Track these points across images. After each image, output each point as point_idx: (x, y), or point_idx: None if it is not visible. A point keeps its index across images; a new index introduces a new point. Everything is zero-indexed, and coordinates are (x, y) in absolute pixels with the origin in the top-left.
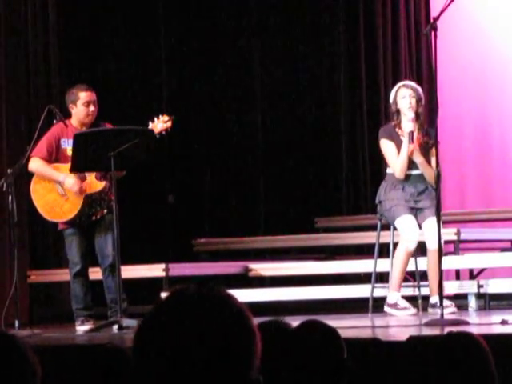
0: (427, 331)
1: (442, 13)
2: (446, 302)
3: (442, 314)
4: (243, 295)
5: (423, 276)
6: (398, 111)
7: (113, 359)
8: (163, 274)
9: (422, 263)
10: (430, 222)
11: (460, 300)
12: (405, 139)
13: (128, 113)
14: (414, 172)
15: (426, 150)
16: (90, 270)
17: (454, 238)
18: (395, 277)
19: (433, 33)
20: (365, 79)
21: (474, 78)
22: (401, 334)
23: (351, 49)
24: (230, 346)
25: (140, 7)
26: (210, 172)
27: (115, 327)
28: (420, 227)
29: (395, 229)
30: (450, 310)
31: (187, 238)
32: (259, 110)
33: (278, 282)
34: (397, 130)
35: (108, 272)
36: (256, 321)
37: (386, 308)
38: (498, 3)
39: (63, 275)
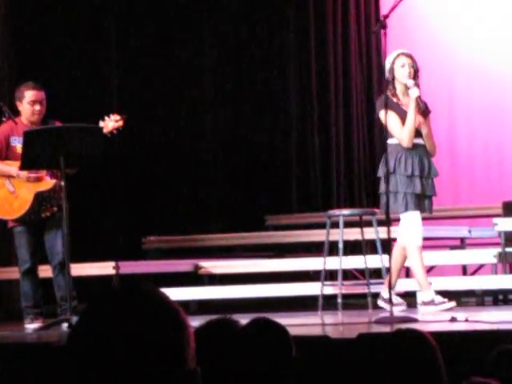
0: (377, 329)
1: (391, 11)
2: (397, 300)
3: (392, 312)
4: (193, 293)
5: (373, 273)
6: (393, 80)
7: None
8: (113, 271)
9: (372, 260)
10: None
11: (409, 298)
12: (411, 105)
13: (79, 111)
14: (417, 141)
15: (425, 122)
16: (40, 267)
17: None
18: (420, 277)
19: (382, 31)
20: (315, 77)
21: (423, 75)
22: (350, 332)
23: (302, 47)
24: (161, 339)
25: (91, 5)
26: (160, 170)
27: (65, 325)
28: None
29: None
30: (448, 306)
31: (138, 235)
32: (210, 108)
33: (228, 279)
34: (395, 99)
35: (58, 270)
36: (205, 319)
37: (423, 308)
38: (446, 1)
39: (13, 273)
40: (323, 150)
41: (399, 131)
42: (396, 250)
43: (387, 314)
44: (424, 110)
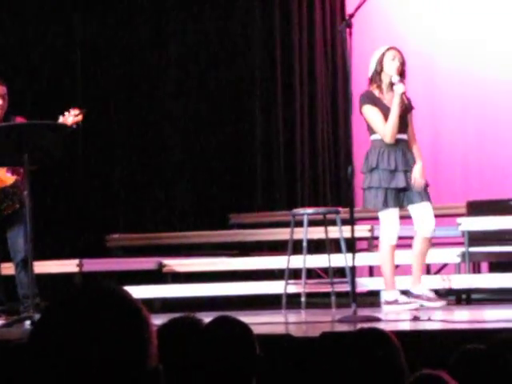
0: (340, 328)
1: (356, 10)
2: (406, 299)
3: (355, 311)
4: (157, 291)
5: (337, 272)
6: (380, 72)
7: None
8: (77, 269)
9: (336, 259)
10: (423, 208)
11: (373, 297)
12: (395, 101)
13: (41, 106)
14: (400, 136)
15: (407, 116)
16: (3, 265)
17: (368, 234)
18: (387, 275)
19: (347, 30)
20: (280, 76)
21: None
22: (314, 331)
23: (267, 46)
24: (123, 337)
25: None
26: (124, 168)
27: (27, 323)
28: (402, 206)
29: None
30: (412, 306)
31: (101, 233)
32: (175, 106)
33: (192, 278)
34: (377, 93)
35: (20, 267)
36: (169, 317)
37: (385, 307)
38: (409, 1)
39: None
40: (287, 148)
41: (382, 127)
42: (422, 244)
43: (350, 313)
44: (407, 107)
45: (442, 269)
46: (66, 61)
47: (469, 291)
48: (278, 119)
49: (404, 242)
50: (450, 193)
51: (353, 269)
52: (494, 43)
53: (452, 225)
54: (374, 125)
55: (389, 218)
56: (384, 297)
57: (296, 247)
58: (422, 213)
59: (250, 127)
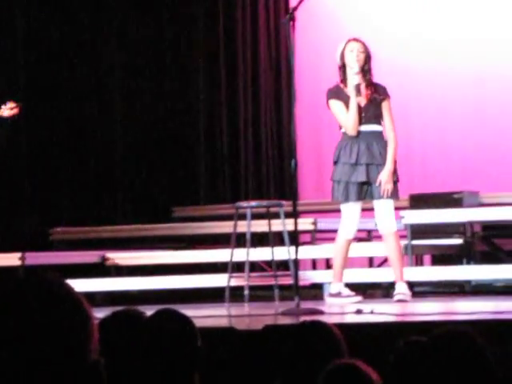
0: (283, 320)
1: (300, 3)
2: (348, 292)
3: (298, 304)
4: (99, 284)
5: (280, 265)
6: (344, 66)
7: None
8: (19, 262)
9: (280, 252)
10: (381, 205)
11: (316, 290)
12: (352, 93)
13: None
14: (364, 128)
15: (375, 106)
16: None
17: (311, 227)
18: (336, 267)
19: (291, 23)
20: (224, 68)
21: (332, 68)
22: (257, 324)
23: (210, 39)
24: (63, 330)
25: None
26: (67, 160)
27: None
28: (365, 199)
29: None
30: (355, 299)
31: (44, 227)
32: (117, 99)
33: (135, 271)
34: (342, 87)
35: None
36: (112, 310)
37: (328, 299)
38: None
39: None
40: (231, 141)
41: (344, 120)
42: (385, 241)
43: (293, 306)
44: (375, 98)
45: (384, 262)
46: (8, 58)
47: (411, 284)
48: (222, 112)
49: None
50: None
51: (296, 262)
52: (436, 36)
53: (395, 218)
54: (337, 118)
55: (348, 212)
56: (328, 289)
57: (239, 240)
58: (379, 209)
59: (193, 120)
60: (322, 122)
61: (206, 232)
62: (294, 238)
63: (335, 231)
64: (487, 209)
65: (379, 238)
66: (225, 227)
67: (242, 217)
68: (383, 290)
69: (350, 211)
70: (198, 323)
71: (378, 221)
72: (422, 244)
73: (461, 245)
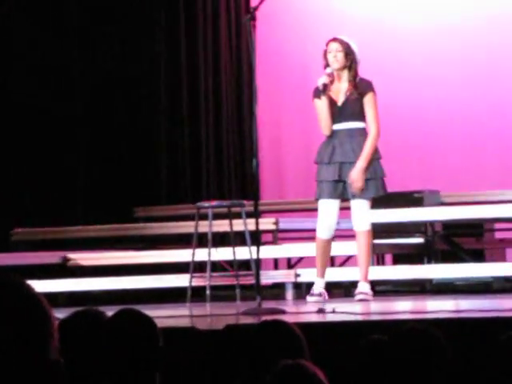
0: (244, 320)
1: (261, 2)
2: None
3: (260, 303)
4: (61, 285)
5: (242, 265)
6: (327, 66)
7: None
8: None
9: (241, 252)
10: (354, 204)
11: (278, 289)
12: (321, 93)
13: None
14: (338, 126)
15: (354, 104)
16: None
17: (273, 227)
18: (316, 265)
19: (252, 22)
20: (185, 70)
21: (294, 67)
22: (218, 323)
23: (171, 40)
24: (23, 329)
25: None
26: (27, 161)
27: None
28: (341, 196)
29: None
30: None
31: (6, 228)
32: (79, 98)
33: (97, 271)
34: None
35: None
36: (74, 310)
37: (308, 298)
38: None
39: None
40: (193, 141)
41: (319, 120)
42: (356, 238)
43: (255, 306)
44: (351, 95)
45: (346, 261)
46: None
47: (373, 283)
48: (183, 112)
49: (303, 235)
50: None
51: (257, 262)
52: (403, 32)
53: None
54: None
55: (321, 210)
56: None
57: (201, 240)
58: (352, 208)
59: (154, 120)
60: (284, 121)
61: (168, 232)
62: (256, 238)
63: (297, 231)
64: (448, 208)
65: (341, 237)
66: (186, 227)
67: (204, 217)
68: (345, 289)
69: (323, 210)
70: (160, 323)
71: (352, 219)
72: (384, 243)
73: (422, 244)
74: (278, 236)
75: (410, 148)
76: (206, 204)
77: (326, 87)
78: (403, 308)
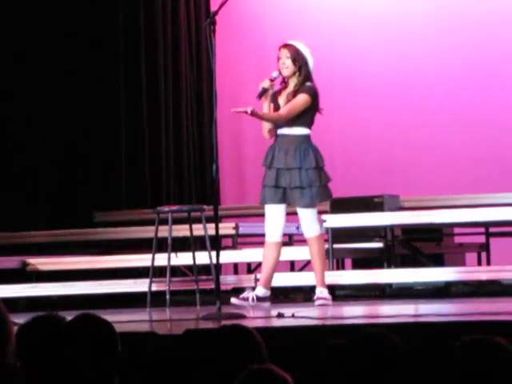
0: (204, 325)
1: (221, 7)
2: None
3: (220, 308)
4: (20, 290)
5: (202, 270)
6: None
7: None
8: None
9: (201, 257)
10: (300, 211)
11: (237, 294)
12: (259, 97)
13: None
14: (282, 132)
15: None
16: None
17: (233, 232)
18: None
19: (212, 27)
20: (144, 73)
21: (253, 73)
22: (178, 328)
23: (131, 47)
24: None
25: None
26: None
27: None
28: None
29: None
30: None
31: None
32: (39, 100)
33: (56, 276)
34: (281, 89)
35: None
36: (32, 315)
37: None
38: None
39: None
40: (153, 146)
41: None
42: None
43: (215, 310)
44: (292, 93)
45: (306, 265)
46: None
47: (333, 287)
48: (143, 117)
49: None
50: None
51: (217, 266)
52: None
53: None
54: None
55: (267, 215)
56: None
57: (161, 245)
58: (299, 215)
59: (114, 124)
60: (243, 126)
61: (128, 237)
62: (216, 243)
63: (257, 235)
64: (407, 212)
65: (301, 242)
66: (146, 232)
67: (164, 221)
68: (305, 294)
69: (269, 214)
70: (119, 328)
71: (301, 225)
72: (343, 248)
73: (381, 248)
74: (237, 241)
75: (370, 153)
76: (166, 209)
77: (265, 91)
78: (362, 312)
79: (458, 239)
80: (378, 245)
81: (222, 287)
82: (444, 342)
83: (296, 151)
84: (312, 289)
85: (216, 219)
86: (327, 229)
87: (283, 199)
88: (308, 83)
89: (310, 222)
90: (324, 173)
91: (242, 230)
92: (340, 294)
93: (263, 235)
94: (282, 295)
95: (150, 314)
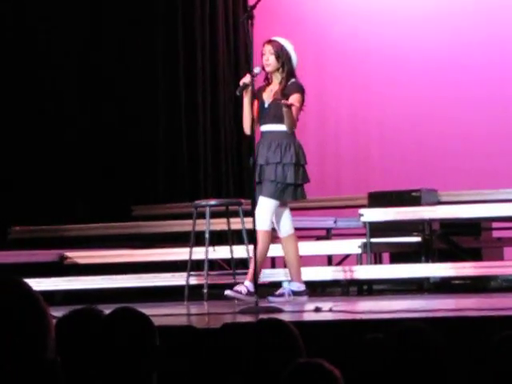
0: (241, 319)
1: (258, 1)
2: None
3: (257, 302)
4: (58, 283)
5: (239, 264)
6: (263, 68)
7: None
8: None
9: (239, 251)
10: (260, 200)
11: (275, 288)
12: (239, 92)
13: None
14: (265, 128)
15: (277, 106)
16: None
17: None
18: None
19: (249, 21)
20: (182, 67)
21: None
22: (216, 322)
23: (169, 38)
24: (21, 328)
25: None
26: (24, 159)
27: None
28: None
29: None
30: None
31: (3, 226)
32: (75, 96)
33: (94, 270)
34: (264, 86)
35: None
36: (71, 309)
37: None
38: None
39: None
40: (190, 139)
41: (243, 119)
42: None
43: (253, 305)
44: (277, 98)
45: (343, 260)
46: None
47: (370, 282)
48: (181, 110)
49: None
50: (351, 184)
51: (255, 260)
52: (394, 37)
53: (353, 216)
54: None
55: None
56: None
57: (199, 239)
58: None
59: (152, 120)
60: None
61: (165, 230)
62: (253, 237)
63: (294, 229)
64: (445, 207)
65: (338, 236)
66: (184, 226)
67: (201, 215)
68: (342, 288)
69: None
70: (157, 322)
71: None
72: (381, 242)
73: (419, 242)
74: (274, 234)
75: (408, 147)
76: (204, 202)
77: (246, 87)
78: (400, 307)
79: (496, 233)
80: (416, 239)
81: (260, 281)
82: (482, 337)
83: (278, 147)
84: (350, 283)
85: (253, 213)
86: (365, 223)
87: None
88: (293, 79)
89: (263, 212)
90: (303, 171)
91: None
92: (378, 288)
93: (300, 229)
94: (319, 289)
95: (188, 307)
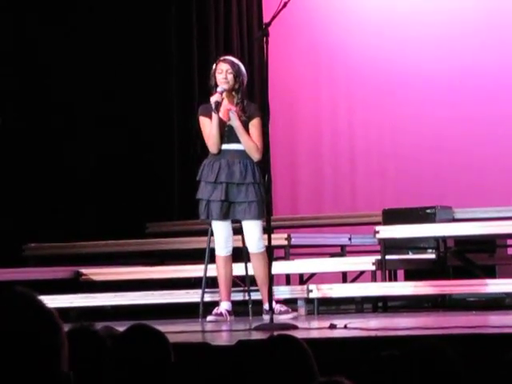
0: (256, 336)
1: (273, 18)
2: (282, 308)
3: (272, 319)
4: (73, 300)
5: (254, 281)
6: (216, 85)
7: None
8: None
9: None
10: (246, 226)
11: (290, 305)
12: (213, 111)
13: None
14: (227, 146)
15: (243, 126)
16: None
17: (285, 243)
18: (219, 286)
19: (264, 38)
20: (197, 84)
21: (306, 83)
22: (230, 339)
23: (184, 54)
24: (35, 341)
25: None
26: (39, 176)
27: None
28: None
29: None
30: (289, 316)
31: (18, 242)
32: (89, 112)
33: (109, 287)
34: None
35: None
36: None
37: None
38: (328, 12)
39: None
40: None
41: (206, 137)
42: (251, 260)
43: (267, 321)
44: (241, 115)
45: (358, 277)
46: None
47: (385, 299)
48: (195, 129)
49: (315, 251)
50: (366, 201)
51: (270, 277)
52: (414, 42)
53: (368, 233)
54: (203, 135)
55: (215, 230)
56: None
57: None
58: (244, 229)
59: (166, 136)
60: (297, 136)
61: (180, 247)
62: (268, 254)
63: (309, 246)
64: (460, 224)
65: (353, 253)
66: (198, 242)
67: None
68: (357, 305)
69: (217, 229)
70: (172, 338)
71: (245, 240)
72: (396, 259)
73: (434, 260)
74: (290, 251)
75: (422, 164)
76: None
77: (218, 105)
78: (415, 324)
79: (511, 250)
80: (431, 256)
81: (274, 298)
82: (497, 354)
83: (242, 165)
84: (365, 300)
85: (269, 230)
86: (379, 240)
87: (227, 215)
88: (251, 103)
89: (257, 237)
90: (262, 189)
91: (294, 241)
92: (392, 305)
93: (315, 246)
94: (334, 306)
95: (202, 324)
